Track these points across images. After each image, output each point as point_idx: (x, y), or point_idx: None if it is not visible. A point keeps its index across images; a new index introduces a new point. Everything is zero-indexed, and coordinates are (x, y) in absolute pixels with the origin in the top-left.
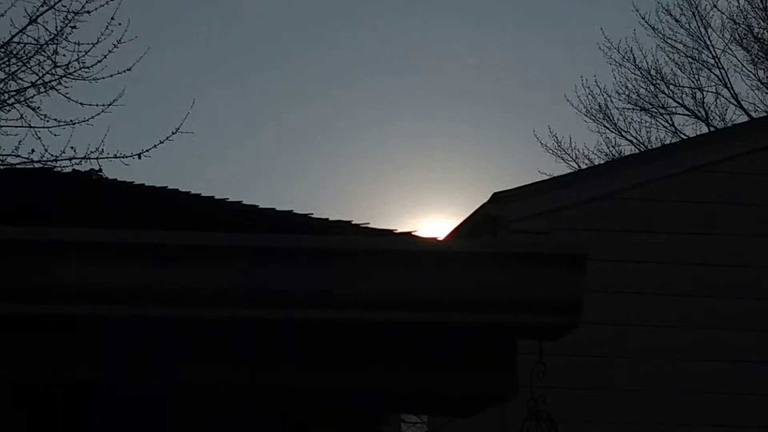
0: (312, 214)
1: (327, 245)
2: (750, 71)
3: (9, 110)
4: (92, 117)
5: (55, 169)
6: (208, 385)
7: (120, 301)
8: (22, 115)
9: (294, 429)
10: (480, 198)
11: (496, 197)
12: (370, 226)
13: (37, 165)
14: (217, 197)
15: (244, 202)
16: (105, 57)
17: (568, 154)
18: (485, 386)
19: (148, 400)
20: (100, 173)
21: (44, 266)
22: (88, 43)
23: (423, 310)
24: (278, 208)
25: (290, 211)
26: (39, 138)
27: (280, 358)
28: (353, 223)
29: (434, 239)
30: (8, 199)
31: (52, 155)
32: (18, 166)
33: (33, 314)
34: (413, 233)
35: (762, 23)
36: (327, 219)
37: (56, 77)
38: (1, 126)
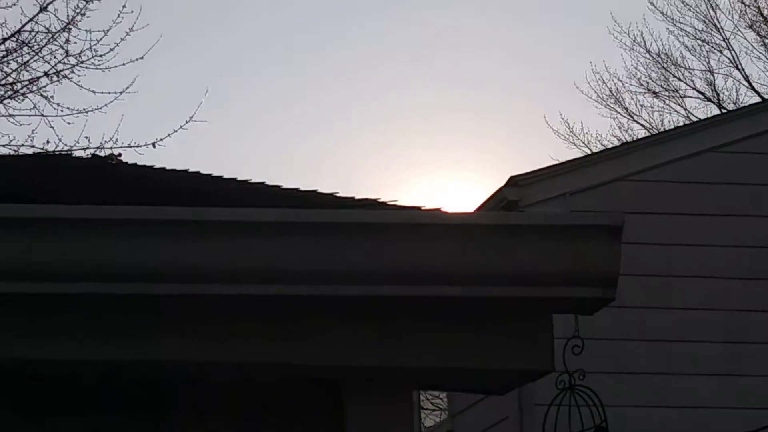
0: (338, 192)
1: (358, 219)
2: (761, 53)
3: (22, 100)
4: (105, 105)
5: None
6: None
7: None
8: (35, 104)
9: (329, 404)
10: (492, 184)
11: (513, 181)
12: (397, 203)
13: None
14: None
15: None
16: (117, 45)
17: (580, 140)
18: (520, 362)
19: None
20: (120, 157)
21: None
22: (100, 31)
23: (456, 284)
24: (302, 188)
25: (315, 190)
26: (53, 127)
27: (308, 334)
28: (381, 200)
29: (466, 213)
30: (26, 183)
31: (66, 145)
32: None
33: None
34: (441, 209)
35: None
36: (353, 197)
37: (69, 66)
38: (15, 115)
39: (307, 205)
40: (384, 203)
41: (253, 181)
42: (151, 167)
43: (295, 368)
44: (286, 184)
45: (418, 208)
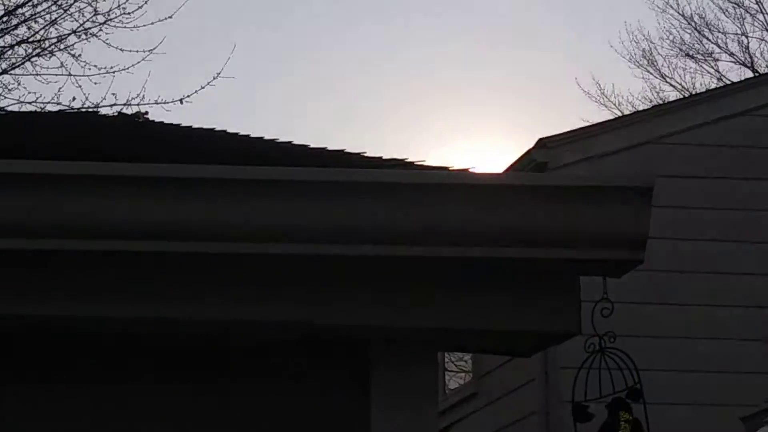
0: (365, 152)
1: (381, 179)
2: None
3: (49, 58)
4: (132, 65)
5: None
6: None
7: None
8: (62, 63)
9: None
10: (522, 145)
11: (542, 142)
12: (425, 163)
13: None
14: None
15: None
16: (146, 2)
17: (612, 102)
18: (546, 324)
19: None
20: (146, 115)
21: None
22: None
23: (481, 245)
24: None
25: (342, 150)
26: (80, 86)
27: (336, 295)
28: (409, 160)
29: (495, 173)
30: (54, 139)
31: (92, 103)
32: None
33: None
34: (469, 169)
35: None
36: (380, 157)
37: (97, 24)
38: (42, 74)
39: (335, 164)
40: (411, 163)
41: (280, 140)
42: (178, 125)
43: (324, 328)
44: (314, 144)
45: (446, 169)
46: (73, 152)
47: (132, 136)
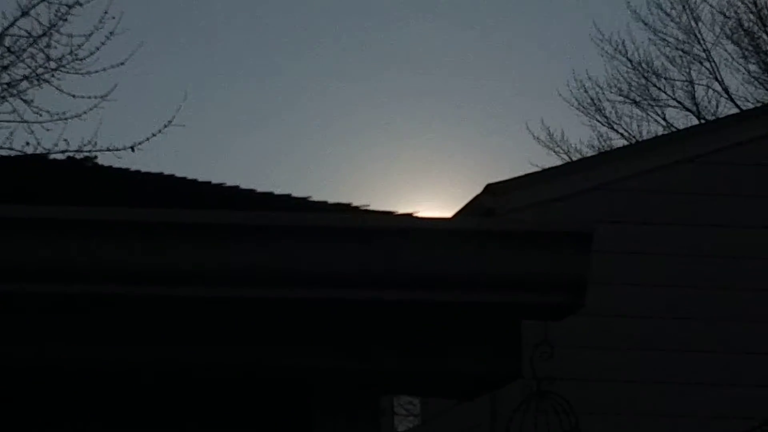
0: (311, 197)
1: (328, 223)
2: (740, 65)
3: (1, 103)
4: (85, 112)
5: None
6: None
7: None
8: (14, 108)
9: (294, 409)
10: (473, 190)
11: (490, 188)
12: (369, 207)
13: None
14: (214, 182)
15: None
16: (98, 50)
17: (561, 147)
18: (488, 367)
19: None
20: (96, 159)
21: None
22: (81, 36)
23: (425, 289)
24: (277, 192)
25: (288, 194)
26: (32, 132)
27: (279, 338)
28: (353, 205)
29: (436, 218)
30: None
31: (45, 148)
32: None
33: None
34: (414, 213)
35: (751, 17)
36: (326, 201)
37: (49, 70)
38: None
39: (280, 209)
40: (356, 208)
41: (227, 185)
42: (126, 169)
43: (265, 368)
44: (265, 189)
45: (390, 213)
46: (20, 195)
47: (81, 180)
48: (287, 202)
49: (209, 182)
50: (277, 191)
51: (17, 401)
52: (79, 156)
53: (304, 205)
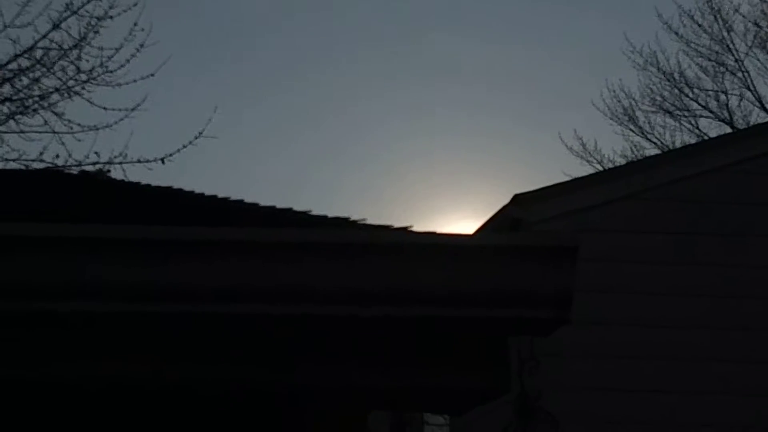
0: (311, 211)
1: (314, 239)
2: None
3: (33, 115)
4: (116, 122)
5: (65, 171)
6: (198, 381)
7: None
8: (46, 120)
9: (283, 426)
10: (505, 200)
11: (517, 199)
12: (366, 222)
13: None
14: (220, 196)
15: (246, 200)
16: (128, 62)
17: (594, 157)
18: (475, 382)
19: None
20: (108, 173)
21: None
22: (111, 48)
23: (411, 305)
24: (278, 206)
25: (290, 208)
26: (63, 143)
27: (267, 356)
28: (350, 219)
29: (423, 233)
30: (18, 199)
31: (76, 160)
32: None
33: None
34: (407, 228)
35: None
36: (325, 216)
37: (80, 82)
38: (26, 132)
39: (278, 223)
40: (353, 222)
41: (233, 199)
42: (137, 183)
43: (253, 383)
44: (286, 205)
45: (385, 228)
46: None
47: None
48: (287, 216)
49: (215, 196)
50: (279, 205)
51: (11, 417)
52: (108, 168)
53: (304, 219)
